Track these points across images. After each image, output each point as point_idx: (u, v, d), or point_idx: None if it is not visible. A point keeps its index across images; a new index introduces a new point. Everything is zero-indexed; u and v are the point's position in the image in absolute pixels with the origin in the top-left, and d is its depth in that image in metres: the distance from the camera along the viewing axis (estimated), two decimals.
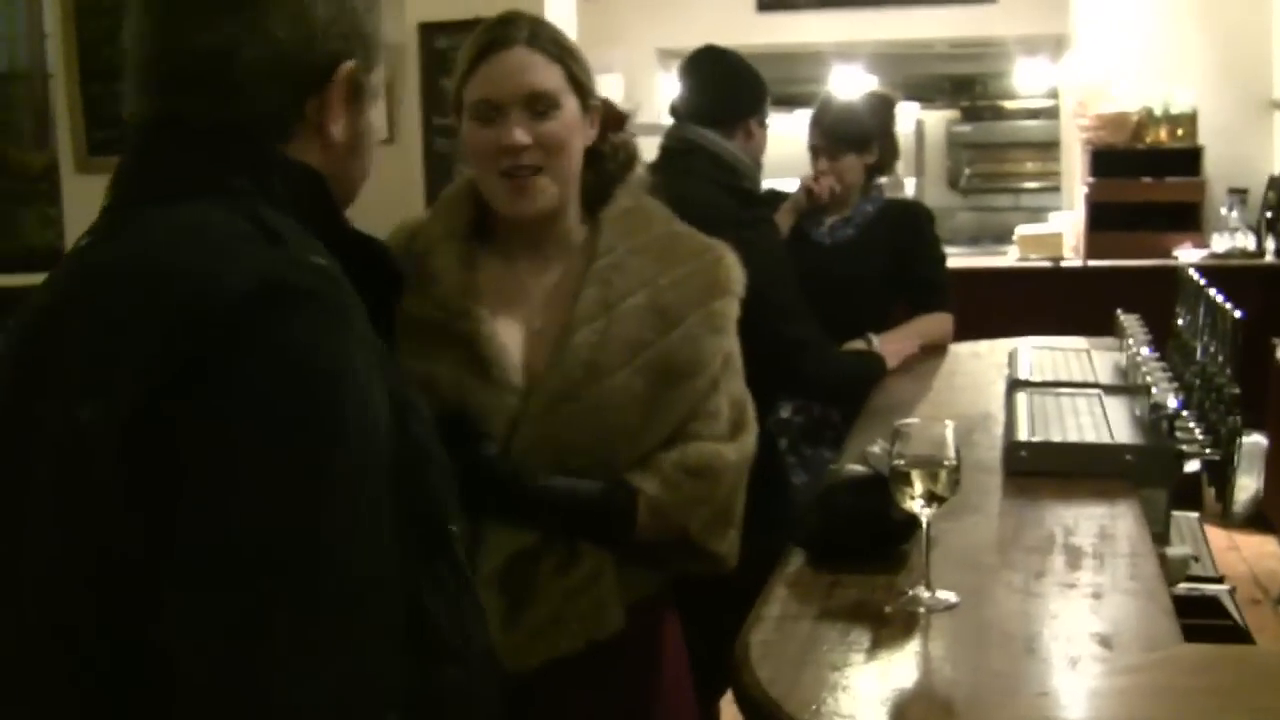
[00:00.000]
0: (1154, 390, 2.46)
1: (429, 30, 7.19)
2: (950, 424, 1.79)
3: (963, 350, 3.75)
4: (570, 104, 1.97)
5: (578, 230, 2.03)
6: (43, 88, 5.04)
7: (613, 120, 2.09)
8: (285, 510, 1.05)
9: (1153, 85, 6.86)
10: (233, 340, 1.07)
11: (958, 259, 7.44)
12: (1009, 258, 7.05)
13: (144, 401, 1.06)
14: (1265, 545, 5.41)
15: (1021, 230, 7.04)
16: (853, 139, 3.80)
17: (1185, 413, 2.56)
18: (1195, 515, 3.29)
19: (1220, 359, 2.79)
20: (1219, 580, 2.76)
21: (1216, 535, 4.69)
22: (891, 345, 3.49)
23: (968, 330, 3.94)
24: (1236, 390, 2.62)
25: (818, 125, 3.83)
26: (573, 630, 1.87)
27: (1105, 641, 1.65)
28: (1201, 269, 3.94)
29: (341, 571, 1.07)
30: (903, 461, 1.76)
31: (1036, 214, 8.05)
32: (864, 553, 1.94)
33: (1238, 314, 2.81)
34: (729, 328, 2.00)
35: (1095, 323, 3.88)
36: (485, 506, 1.83)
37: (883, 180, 4.07)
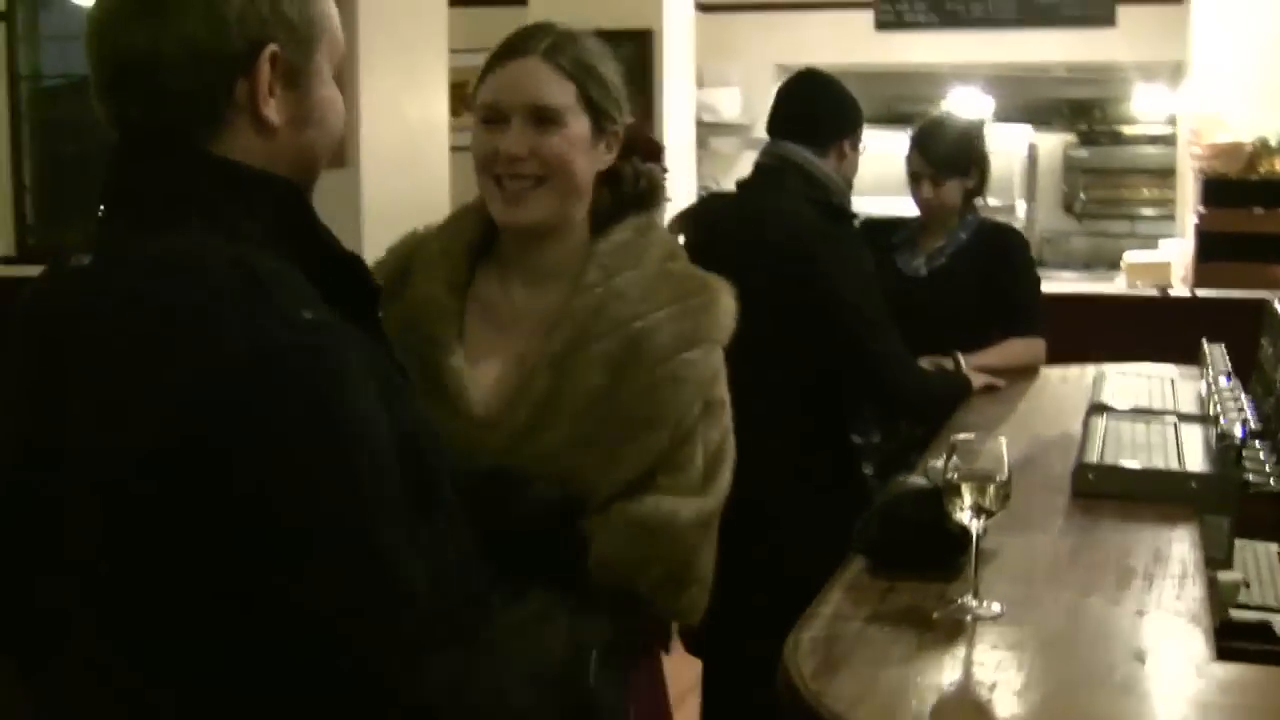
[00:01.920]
0: (1222, 419, 2.51)
1: None
2: (1003, 440, 1.87)
3: (1053, 374, 3.80)
4: (578, 123, 1.92)
5: (578, 253, 1.97)
6: None
7: (645, 149, 2.06)
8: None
9: (1269, 115, 6.80)
10: (232, 420, 1.18)
11: (1067, 284, 7.45)
12: (1117, 284, 7.03)
13: (139, 475, 1.18)
14: None
15: (1129, 257, 7.02)
16: (957, 164, 3.86)
17: (1256, 442, 2.60)
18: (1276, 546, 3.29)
19: None
20: None
21: None
22: (980, 365, 3.55)
23: (1069, 355, 3.97)
24: None
25: (921, 151, 3.89)
26: None
27: (1140, 656, 1.72)
28: None
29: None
30: (954, 475, 1.84)
31: (1150, 241, 8.01)
32: (921, 562, 2.02)
33: None
34: (706, 377, 1.91)
35: (1197, 352, 3.89)
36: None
37: (988, 203, 4.11)
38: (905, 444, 3.53)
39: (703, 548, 1.89)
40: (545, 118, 1.90)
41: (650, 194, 2.03)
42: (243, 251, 1.26)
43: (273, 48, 1.33)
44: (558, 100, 1.90)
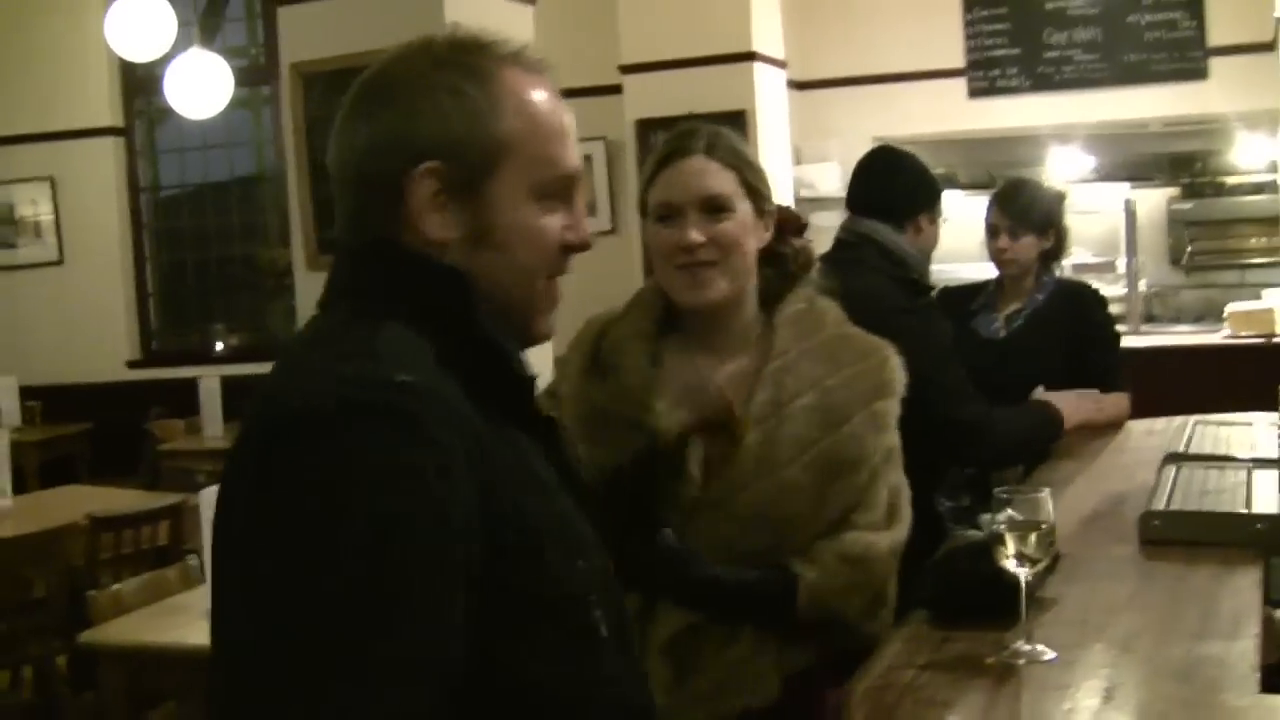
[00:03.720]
0: None
1: (644, 126, 7.59)
2: (1047, 490, 1.94)
3: (1138, 427, 3.82)
4: (743, 207, 2.18)
5: (754, 325, 2.23)
6: (282, 190, 5.50)
7: (792, 226, 2.31)
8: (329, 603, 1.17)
9: None
10: (285, 458, 1.22)
11: (1169, 337, 7.40)
12: (1222, 334, 6.98)
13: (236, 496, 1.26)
14: None
15: (1232, 307, 6.99)
16: (1034, 221, 3.94)
17: None
18: None
19: None
20: None
21: None
22: (1069, 403, 3.56)
23: (1171, 407, 3.97)
24: None
25: (1001, 204, 3.98)
26: (730, 698, 2.07)
27: (1183, 692, 1.78)
28: None
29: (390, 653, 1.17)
30: (1000, 526, 1.92)
31: (1260, 290, 7.94)
32: (978, 612, 2.08)
33: None
34: (891, 424, 2.18)
35: None
36: (659, 584, 2.07)
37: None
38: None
39: (893, 576, 2.16)
40: (716, 206, 2.17)
41: (806, 265, 2.31)
42: (376, 325, 1.31)
43: (430, 164, 1.36)
44: (725, 189, 2.17)
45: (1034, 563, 1.91)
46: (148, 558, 4.81)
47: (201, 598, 3.56)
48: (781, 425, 2.10)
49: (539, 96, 1.42)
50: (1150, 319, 8.49)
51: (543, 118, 1.41)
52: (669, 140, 2.23)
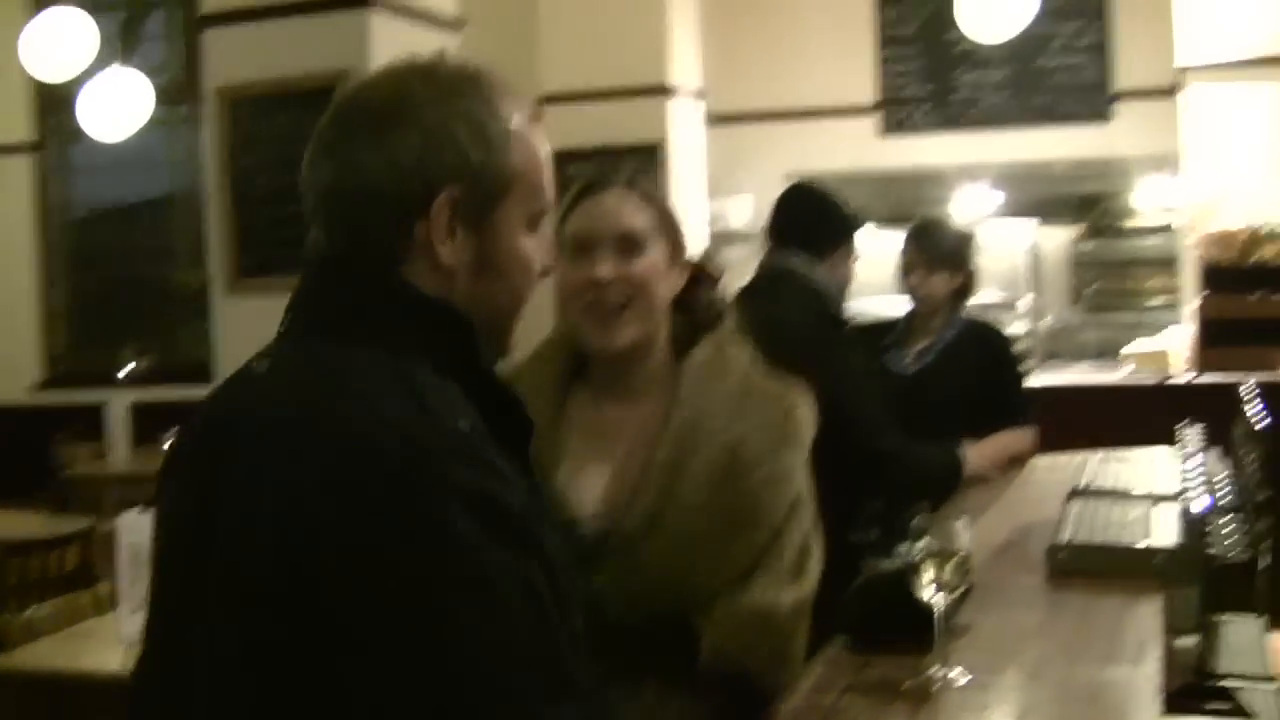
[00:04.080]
0: (1187, 495, 2.65)
1: (561, 158, 7.66)
2: (964, 518, 2.03)
3: (1042, 463, 3.94)
4: (658, 249, 2.14)
5: (663, 371, 2.17)
6: (198, 212, 5.47)
7: (708, 278, 2.27)
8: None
9: (1263, 202, 6.99)
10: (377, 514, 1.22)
11: (1070, 375, 7.58)
12: (1122, 373, 7.17)
13: (303, 561, 1.22)
14: None
15: (1131, 347, 7.17)
16: (948, 258, 4.06)
17: (1230, 517, 2.73)
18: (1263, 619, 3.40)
19: (1256, 467, 2.96)
20: (1269, 679, 2.88)
21: None
22: (976, 453, 3.68)
23: (1072, 444, 4.06)
24: (1267, 495, 2.79)
25: (915, 242, 4.09)
26: None
27: (1091, 714, 1.87)
28: None
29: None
30: (918, 554, 1.99)
31: (1157, 329, 8.16)
32: (895, 637, 2.16)
33: (1262, 425, 2.98)
34: (795, 476, 2.13)
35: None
36: None
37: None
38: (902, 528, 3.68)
39: (799, 630, 2.11)
40: (631, 244, 2.12)
41: (718, 317, 2.24)
42: (406, 366, 1.33)
43: (451, 191, 1.39)
44: (642, 225, 2.13)
45: (951, 589, 1.98)
46: (57, 583, 4.76)
47: (113, 623, 3.54)
48: (681, 479, 2.06)
49: (536, 130, 1.48)
50: (1051, 356, 8.68)
51: (538, 150, 1.48)
52: (586, 178, 2.21)
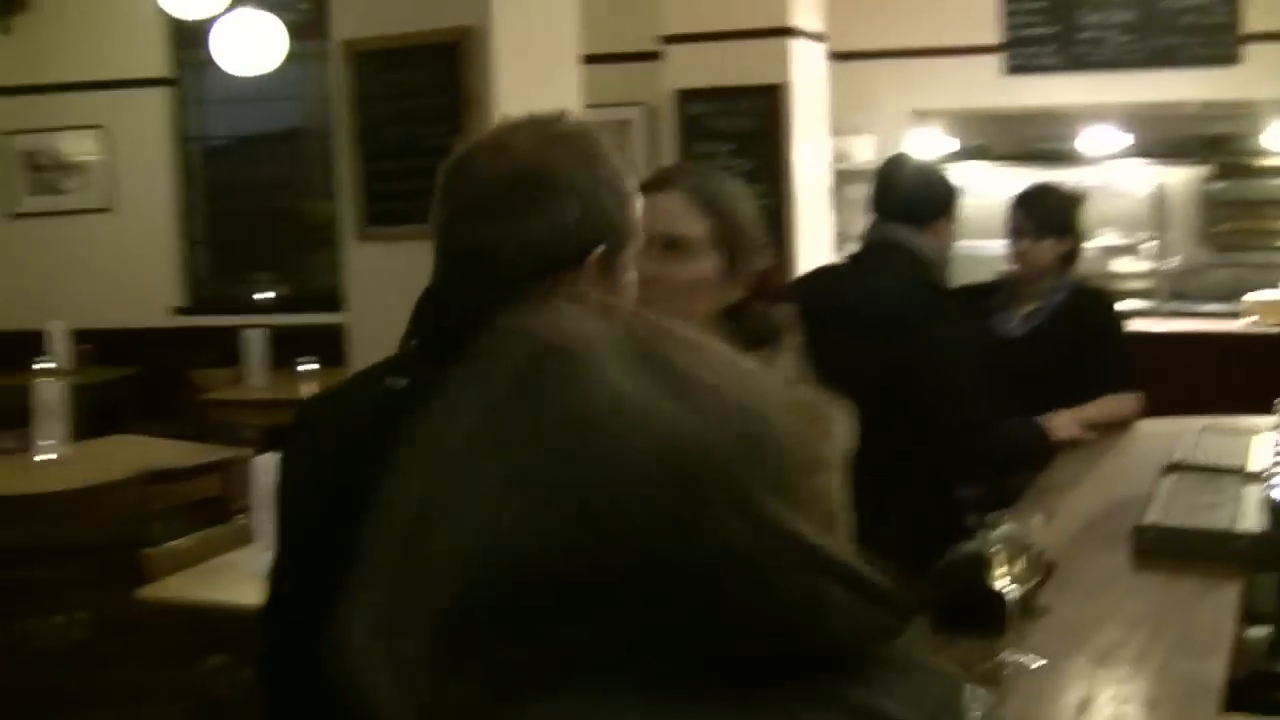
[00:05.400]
0: (1274, 479, 2.72)
1: (684, 96, 7.72)
2: (1039, 517, 2.15)
3: (1145, 429, 3.99)
4: (708, 258, 2.09)
5: None
6: (327, 145, 5.60)
7: (770, 293, 2.21)
8: None
9: None
10: None
11: (1187, 323, 7.50)
12: (1240, 324, 7.09)
13: None
14: None
15: (1251, 296, 7.07)
16: (1055, 224, 4.11)
17: None
18: None
19: None
20: None
21: None
22: (1060, 419, 3.76)
23: (1180, 397, 4.12)
24: None
25: (1023, 208, 4.15)
26: None
27: (1148, 704, 1.98)
28: None
29: None
30: (991, 545, 2.12)
31: None
32: (973, 621, 2.28)
33: None
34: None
35: None
36: None
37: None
38: (999, 496, 3.77)
39: None
40: (677, 248, 2.09)
41: (772, 335, 2.11)
42: None
43: (601, 249, 1.64)
44: (691, 233, 2.10)
45: (1024, 581, 2.11)
46: (198, 511, 5.02)
47: (250, 557, 3.76)
48: None
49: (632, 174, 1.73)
50: (1177, 296, 8.58)
51: (637, 202, 1.72)
52: (657, 170, 2.24)
